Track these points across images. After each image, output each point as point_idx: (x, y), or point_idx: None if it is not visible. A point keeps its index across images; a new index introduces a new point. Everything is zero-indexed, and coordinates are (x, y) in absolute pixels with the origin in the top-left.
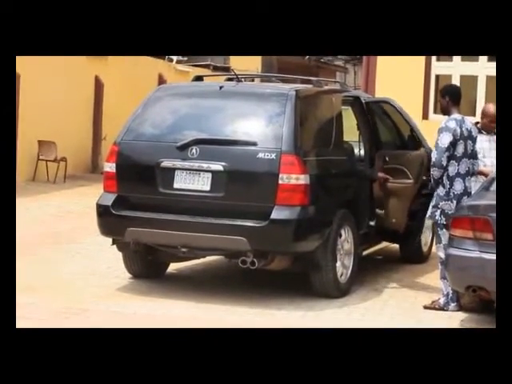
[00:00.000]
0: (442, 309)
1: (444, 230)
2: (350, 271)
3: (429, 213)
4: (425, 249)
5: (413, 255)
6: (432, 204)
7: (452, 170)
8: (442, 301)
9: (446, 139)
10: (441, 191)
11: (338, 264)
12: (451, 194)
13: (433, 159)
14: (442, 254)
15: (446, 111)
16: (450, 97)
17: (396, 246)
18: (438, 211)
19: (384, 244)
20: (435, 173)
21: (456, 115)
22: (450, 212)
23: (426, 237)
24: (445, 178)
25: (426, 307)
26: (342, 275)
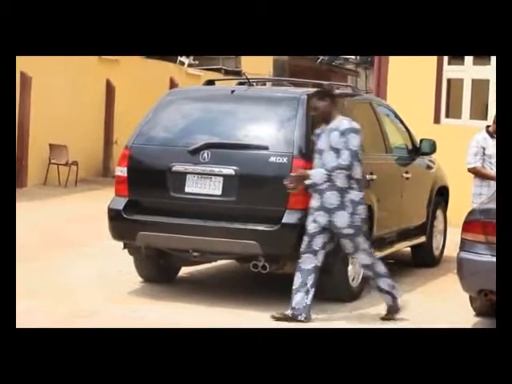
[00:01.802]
0: (294, 319)
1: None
2: (361, 275)
3: (347, 222)
4: (436, 253)
5: (425, 259)
6: (350, 211)
7: (358, 172)
8: (289, 312)
9: (357, 141)
10: (356, 196)
11: (350, 268)
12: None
13: (347, 162)
14: (308, 265)
15: (328, 115)
16: (331, 98)
17: (408, 250)
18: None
19: (395, 248)
20: (341, 176)
21: (344, 117)
22: (363, 217)
23: (437, 241)
24: (354, 182)
25: (275, 318)
26: (353, 279)
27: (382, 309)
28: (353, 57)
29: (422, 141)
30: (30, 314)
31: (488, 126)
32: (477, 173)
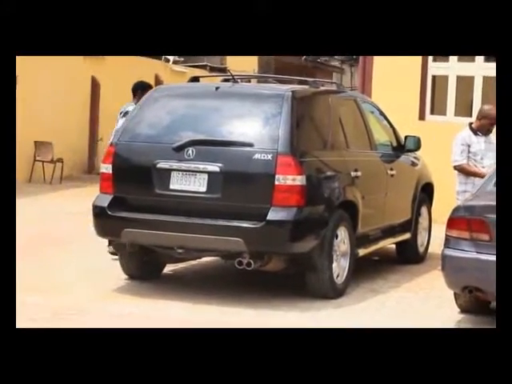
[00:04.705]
0: None
1: None
2: (346, 272)
3: None
4: (421, 249)
5: (409, 256)
6: None
7: None
8: None
9: None
10: None
11: (334, 265)
12: None
13: None
14: None
15: None
16: None
17: (392, 246)
18: None
19: (380, 245)
20: None
21: None
22: None
23: (422, 237)
24: None
25: None
26: (338, 276)
27: (368, 305)
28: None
29: (406, 138)
30: (18, 311)
31: (471, 123)
32: (463, 170)
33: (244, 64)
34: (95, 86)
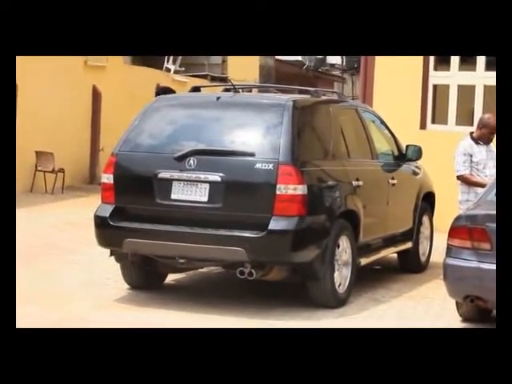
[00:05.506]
0: None
1: None
2: (348, 281)
3: None
4: (423, 258)
5: (411, 265)
6: None
7: None
8: None
9: None
10: None
11: (336, 274)
12: None
13: None
14: None
15: None
16: None
17: (394, 256)
18: None
19: (382, 254)
20: None
21: None
22: None
23: (423, 247)
24: None
25: None
26: (340, 285)
27: (370, 314)
28: (339, 63)
29: (408, 147)
30: (18, 320)
31: (472, 133)
32: (466, 180)
33: (245, 73)
34: (96, 95)
